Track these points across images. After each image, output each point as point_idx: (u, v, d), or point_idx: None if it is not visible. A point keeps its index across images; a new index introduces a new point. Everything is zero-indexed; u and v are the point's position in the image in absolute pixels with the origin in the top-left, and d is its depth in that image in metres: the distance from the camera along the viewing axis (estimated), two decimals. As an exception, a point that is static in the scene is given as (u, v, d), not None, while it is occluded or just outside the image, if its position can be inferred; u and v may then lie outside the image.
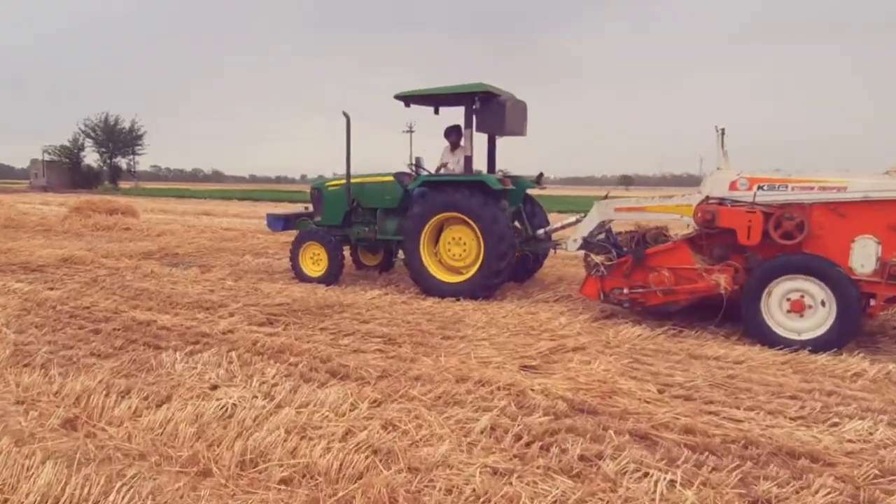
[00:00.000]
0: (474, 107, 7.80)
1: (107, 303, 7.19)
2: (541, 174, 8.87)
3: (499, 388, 4.42)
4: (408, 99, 8.30)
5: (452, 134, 8.59)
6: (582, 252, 7.80)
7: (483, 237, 7.56)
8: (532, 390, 4.37)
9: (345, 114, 8.55)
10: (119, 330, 6.08)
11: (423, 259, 7.95)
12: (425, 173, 8.77)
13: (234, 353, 5.12)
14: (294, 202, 37.31)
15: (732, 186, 6.20)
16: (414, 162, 8.98)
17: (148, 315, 6.62)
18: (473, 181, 7.72)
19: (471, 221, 7.62)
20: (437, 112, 8.90)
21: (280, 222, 9.47)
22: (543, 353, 5.37)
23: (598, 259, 6.49)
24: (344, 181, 8.90)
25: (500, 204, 7.71)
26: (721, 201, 6.18)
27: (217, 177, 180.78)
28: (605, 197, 7.62)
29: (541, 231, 8.33)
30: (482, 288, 7.66)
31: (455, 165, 8.53)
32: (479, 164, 8.71)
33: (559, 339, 5.84)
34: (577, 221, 7.93)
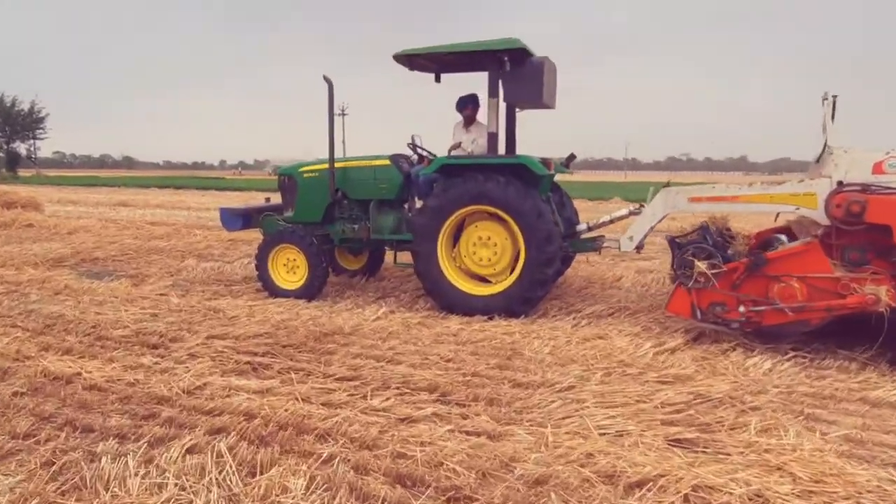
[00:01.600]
0: (503, 70, 6.00)
1: (4, 342, 5.00)
2: (572, 155, 7.21)
3: (685, 499, 2.74)
4: (413, 59, 6.40)
5: (468, 106, 6.78)
6: (634, 251, 6.25)
7: (525, 237, 5.83)
8: (750, 501, 2.71)
9: (326, 78, 6.57)
10: (25, 394, 3.98)
11: (443, 266, 6.14)
12: (426, 154, 6.98)
13: (222, 445, 3.17)
14: (221, 190, 34.33)
15: (878, 168, 4.75)
16: (412, 141, 7.12)
17: (67, 363, 4.51)
18: (509, 165, 5.96)
19: (507, 217, 5.87)
20: (438, 80, 7.04)
21: (238, 219, 7.38)
22: (681, 409, 3.72)
23: (703, 267, 4.90)
24: (324, 166, 6.94)
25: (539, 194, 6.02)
26: (864, 188, 4.71)
27: (128, 163, 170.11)
28: (667, 184, 6.07)
29: (583, 226, 6.68)
30: (522, 302, 5.94)
31: (471, 145, 6.74)
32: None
33: (677, 381, 4.22)
34: (631, 214, 6.34)
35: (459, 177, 6.02)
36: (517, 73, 6.01)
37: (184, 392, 3.99)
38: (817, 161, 5.43)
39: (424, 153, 7.03)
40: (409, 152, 7.06)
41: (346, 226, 6.98)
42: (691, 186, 6.03)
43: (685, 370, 4.42)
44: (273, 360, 4.68)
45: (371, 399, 3.91)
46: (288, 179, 7.29)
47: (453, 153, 6.82)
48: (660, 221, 6.00)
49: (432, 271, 6.14)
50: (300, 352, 4.90)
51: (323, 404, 3.82)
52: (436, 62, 6.61)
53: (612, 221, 6.55)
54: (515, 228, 5.87)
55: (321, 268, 6.70)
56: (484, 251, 6.11)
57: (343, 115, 61.62)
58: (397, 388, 4.12)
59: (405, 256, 6.68)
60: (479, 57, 6.14)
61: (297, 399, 3.87)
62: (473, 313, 5.99)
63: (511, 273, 6.09)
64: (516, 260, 6.03)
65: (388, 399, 3.91)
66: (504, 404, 3.86)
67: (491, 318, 5.90)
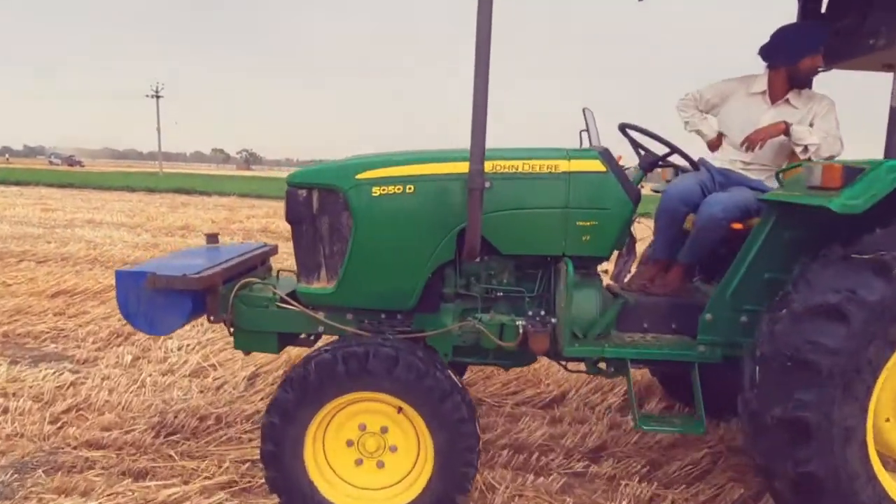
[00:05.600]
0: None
1: None
2: None
3: None
4: None
5: (812, 49, 2.98)
6: None
7: None
8: None
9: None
10: None
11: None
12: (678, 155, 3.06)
13: None
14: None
15: None
16: (586, 118, 3.16)
17: None
18: None
19: None
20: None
21: (183, 302, 2.69)
22: None
23: None
24: (435, 168, 2.70)
25: None
26: None
27: None
28: None
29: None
30: None
31: (812, 137, 2.90)
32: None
33: None
34: None
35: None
36: None
37: None
38: None
39: (660, 148, 3.08)
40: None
41: (487, 318, 2.77)
42: None
43: None
44: None
45: None
46: (322, 197, 2.77)
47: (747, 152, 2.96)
48: None
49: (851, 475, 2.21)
50: None
51: None
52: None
53: None
54: None
55: (474, 449, 2.42)
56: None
57: (157, 97, 51.62)
58: None
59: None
60: None
61: None
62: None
63: None
64: None
65: None
66: None
67: None
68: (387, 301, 2.79)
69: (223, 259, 3.03)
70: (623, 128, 3.09)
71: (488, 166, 2.67)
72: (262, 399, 3.78)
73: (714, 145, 3.32)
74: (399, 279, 2.74)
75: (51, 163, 73.21)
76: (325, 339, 3.04)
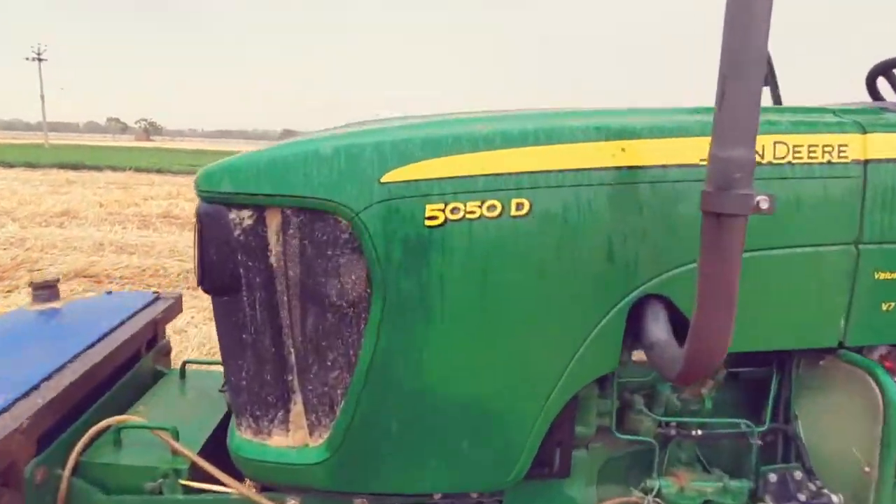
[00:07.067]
0: None
1: None
2: None
3: None
4: None
5: None
6: None
7: None
8: None
9: None
10: None
11: None
12: None
13: None
14: None
15: None
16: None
17: None
18: None
19: None
20: None
21: None
22: None
23: None
24: (532, 149, 1.10)
25: None
26: None
27: None
28: None
29: None
30: None
31: None
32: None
33: None
34: None
35: None
36: None
37: None
38: None
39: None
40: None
41: (671, 486, 1.25)
42: None
43: None
44: None
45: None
46: (292, 230, 1.09)
47: None
48: None
49: None
50: None
51: None
52: None
53: None
54: None
55: None
56: None
57: (39, 60, 45.42)
58: None
59: None
60: None
61: None
62: None
63: None
64: None
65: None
66: None
67: None
68: (459, 476, 1.17)
69: (48, 368, 1.28)
70: (880, 73, 1.58)
71: (686, 148, 1.09)
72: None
73: None
74: (491, 426, 1.13)
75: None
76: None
